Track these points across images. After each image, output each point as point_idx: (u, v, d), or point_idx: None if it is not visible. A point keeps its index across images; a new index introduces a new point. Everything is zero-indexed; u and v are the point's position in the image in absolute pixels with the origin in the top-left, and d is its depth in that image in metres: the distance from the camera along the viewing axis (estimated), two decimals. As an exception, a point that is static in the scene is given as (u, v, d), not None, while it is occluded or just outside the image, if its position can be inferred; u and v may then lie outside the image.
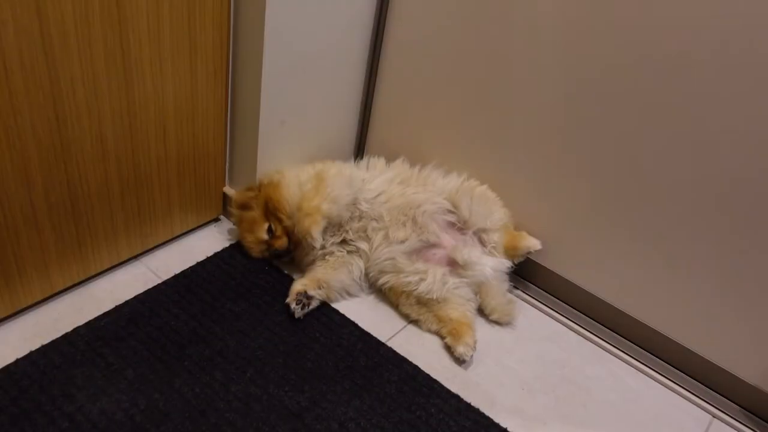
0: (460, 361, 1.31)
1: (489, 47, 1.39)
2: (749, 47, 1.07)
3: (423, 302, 1.38)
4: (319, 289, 1.37)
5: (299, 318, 1.33)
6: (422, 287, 1.35)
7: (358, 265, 1.42)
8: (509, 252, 1.44)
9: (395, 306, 1.42)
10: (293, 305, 1.33)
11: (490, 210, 1.44)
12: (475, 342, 1.32)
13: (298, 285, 1.36)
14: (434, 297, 1.35)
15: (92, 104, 1.13)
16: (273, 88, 1.38)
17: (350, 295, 1.43)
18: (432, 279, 1.36)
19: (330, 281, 1.38)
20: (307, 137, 1.59)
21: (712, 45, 1.10)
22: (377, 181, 1.46)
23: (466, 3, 1.38)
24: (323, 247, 1.41)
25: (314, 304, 1.36)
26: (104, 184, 1.23)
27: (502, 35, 1.35)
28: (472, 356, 1.30)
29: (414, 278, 1.36)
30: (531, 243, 1.43)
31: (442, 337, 1.36)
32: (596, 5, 1.20)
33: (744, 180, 1.16)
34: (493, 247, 1.43)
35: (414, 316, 1.40)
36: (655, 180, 1.26)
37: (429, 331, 1.38)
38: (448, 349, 1.33)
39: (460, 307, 1.37)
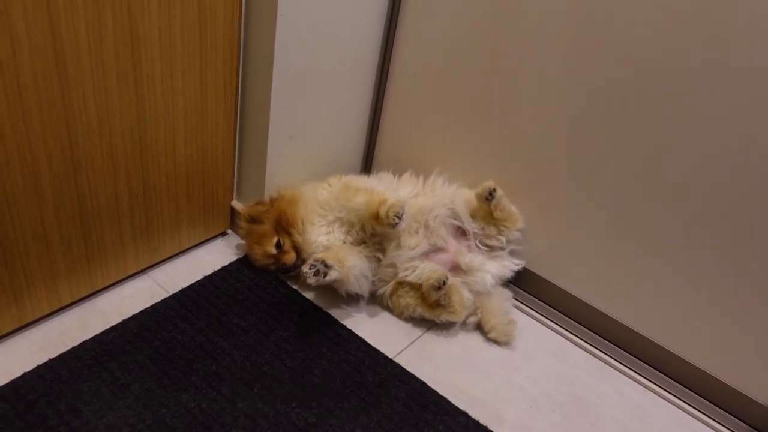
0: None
1: (496, 62, 1.39)
2: (759, 57, 1.07)
3: (416, 287, 1.38)
4: (338, 263, 1.28)
5: (311, 285, 1.28)
6: (414, 275, 1.36)
7: (372, 265, 1.40)
8: (479, 202, 1.42)
9: (397, 312, 1.43)
10: (306, 269, 1.25)
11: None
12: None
13: (317, 255, 1.30)
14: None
15: (103, 120, 1.14)
16: (282, 103, 1.39)
17: (362, 287, 1.38)
18: (423, 269, 1.36)
19: (348, 261, 1.31)
20: (316, 152, 1.59)
21: (723, 57, 1.10)
22: (400, 194, 1.45)
23: (475, 18, 1.38)
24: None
25: (330, 276, 1.26)
26: (113, 198, 1.24)
27: (509, 50, 1.36)
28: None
29: (409, 271, 1.37)
30: (487, 183, 1.39)
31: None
32: (606, 19, 1.21)
33: (760, 195, 1.15)
34: (500, 229, 1.43)
35: (411, 302, 1.39)
36: (665, 195, 1.26)
37: (422, 317, 1.39)
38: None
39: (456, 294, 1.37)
